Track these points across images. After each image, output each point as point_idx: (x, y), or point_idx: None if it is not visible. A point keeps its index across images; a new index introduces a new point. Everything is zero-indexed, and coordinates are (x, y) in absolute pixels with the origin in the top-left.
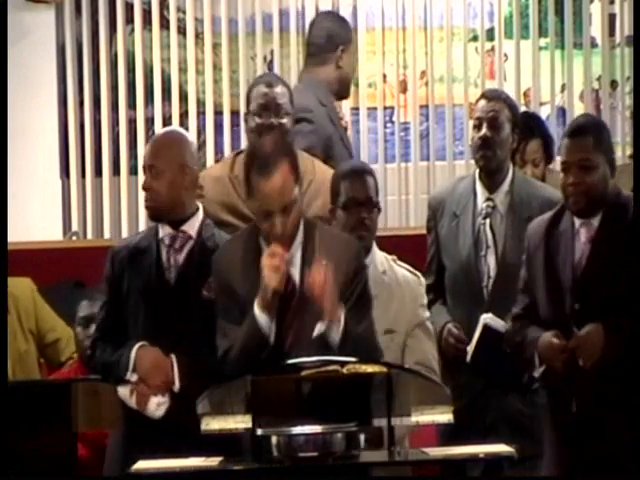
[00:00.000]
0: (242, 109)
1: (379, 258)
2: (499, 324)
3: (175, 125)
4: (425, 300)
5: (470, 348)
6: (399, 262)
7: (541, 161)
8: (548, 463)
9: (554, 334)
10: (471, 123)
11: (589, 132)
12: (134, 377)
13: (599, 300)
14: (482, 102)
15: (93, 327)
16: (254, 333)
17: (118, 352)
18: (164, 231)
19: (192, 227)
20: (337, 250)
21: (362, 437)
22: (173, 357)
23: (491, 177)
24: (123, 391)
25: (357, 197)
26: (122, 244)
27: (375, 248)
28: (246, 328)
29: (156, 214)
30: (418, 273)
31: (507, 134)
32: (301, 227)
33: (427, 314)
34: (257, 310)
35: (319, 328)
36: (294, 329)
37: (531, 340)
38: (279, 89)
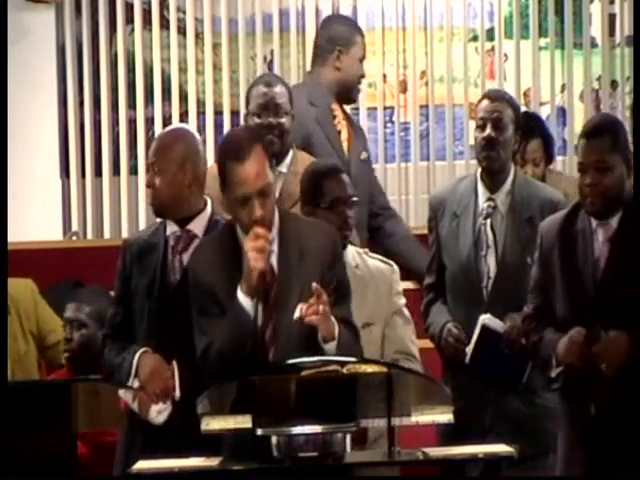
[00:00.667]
0: (242, 109)
1: (350, 253)
2: (497, 325)
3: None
4: (400, 287)
5: (469, 349)
6: (370, 253)
7: (541, 161)
8: (562, 464)
9: (578, 332)
10: (471, 123)
11: (605, 133)
12: (136, 383)
13: (620, 299)
14: (485, 102)
15: (68, 329)
16: (239, 318)
17: (121, 355)
18: (171, 228)
19: (198, 225)
20: (315, 239)
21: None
22: (174, 364)
23: (493, 177)
24: (126, 395)
25: (342, 196)
26: (134, 237)
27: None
28: (230, 316)
29: (160, 211)
30: (391, 262)
31: (510, 135)
32: (276, 217)
33: (403, 301)
34: (241, 295)
35: (299, 310)
36: (274, 320)
37: (549, 340)
38: (278, 89)
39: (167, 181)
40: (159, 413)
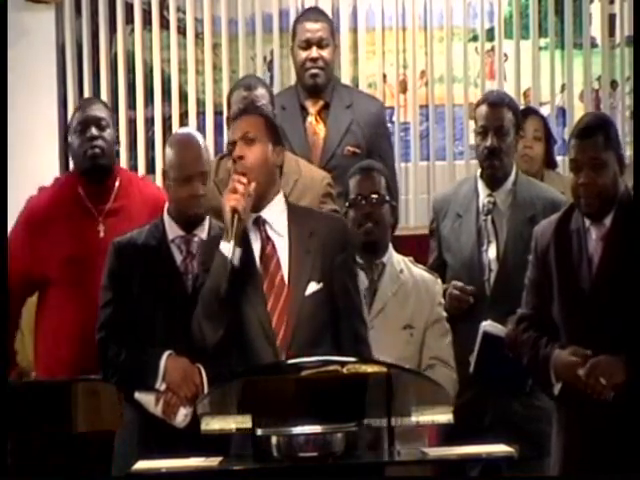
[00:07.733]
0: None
1: (396, 258)
2: (499, 329)
3: (175, 125)
4: (442, 299)
5: (472, 358)
6: (416, 263)
7: (542, 138)
8: (557, 465)
9: (571, 352)
10: (471, 123)
11: (598, 131)
12: (163, 386)
13: (614, 296)
14: (485, 109)
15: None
16: (218, 259)
17: (139, 358)
18: (174, 232)
19: (203, 231)
20: (323, 223)
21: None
22: (201, 367)
23: (494, 178)
24: (146, 398)
25: (362, 193)
26: (126, 239)
27: (391, 249)
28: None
29: (200, 219)
30: (435, 273)
31: (512, 139)
32: (285, 205)
33: (444, 313)
34: (221, 243)
35: (311, 287)
36: (285, 298)
37: (544, 356)
38: (258, 91)
39: (207, 187)
40: (185, 417)
